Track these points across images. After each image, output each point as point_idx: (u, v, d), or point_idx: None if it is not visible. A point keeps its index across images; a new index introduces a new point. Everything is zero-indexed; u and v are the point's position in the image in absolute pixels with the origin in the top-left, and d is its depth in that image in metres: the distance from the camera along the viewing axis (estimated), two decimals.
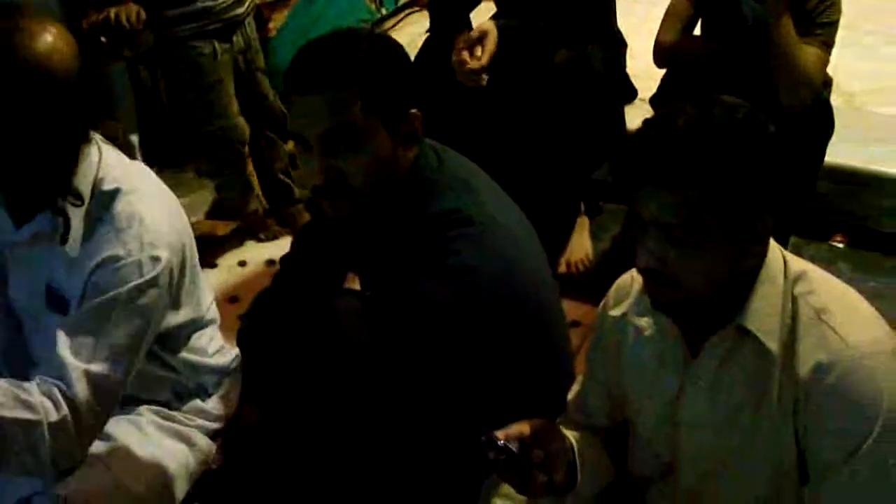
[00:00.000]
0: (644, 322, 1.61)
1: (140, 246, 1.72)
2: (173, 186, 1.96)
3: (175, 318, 1.92)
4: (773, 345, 1.44)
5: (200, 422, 2.05)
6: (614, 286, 1.73)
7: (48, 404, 1.65)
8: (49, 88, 1.63)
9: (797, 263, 1.51)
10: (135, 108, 3.64)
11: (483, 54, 2.80)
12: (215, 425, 2.08)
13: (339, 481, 2.05)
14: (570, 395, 1.83)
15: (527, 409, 1.86)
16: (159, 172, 3.96)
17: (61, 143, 1.71)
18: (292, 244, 2.22)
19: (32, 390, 1.65)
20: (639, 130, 1.44)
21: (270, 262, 3.53)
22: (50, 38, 1.65)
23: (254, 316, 2.23)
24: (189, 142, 4.01)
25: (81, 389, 1.67)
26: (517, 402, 1.87)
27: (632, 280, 1.67)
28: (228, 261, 3.60)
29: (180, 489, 1.97)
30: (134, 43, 3.11)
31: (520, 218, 1.92)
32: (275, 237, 3.69)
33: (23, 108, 1.63)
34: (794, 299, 1.46)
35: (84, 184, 1.76)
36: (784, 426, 1.46)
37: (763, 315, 1.45)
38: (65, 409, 1.66)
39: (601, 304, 1.76)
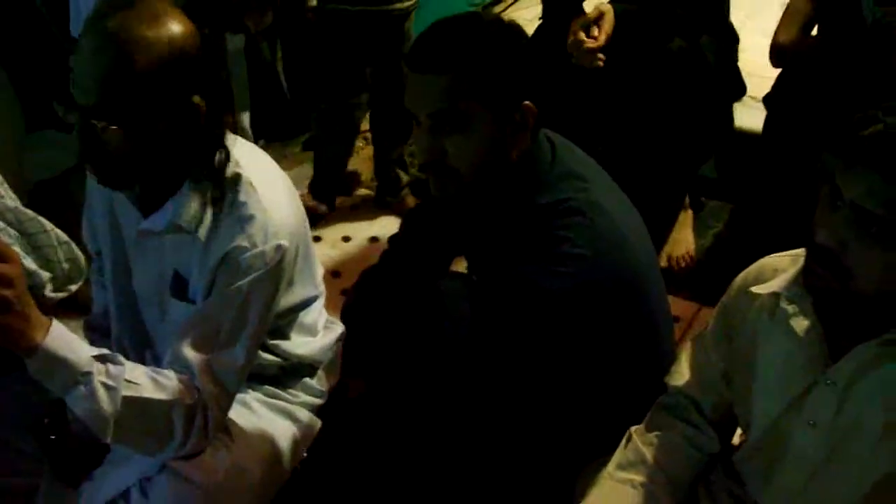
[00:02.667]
0: (791, 309, 1.55)
1: (265, 237, 1.73)
2: (279, 159, 1.99)
3: (291, 297, 1.95)
4: None
5: (305, 398, 2.07)
6: (755, 267, 1.69)
7: (183, 389, 1.70)
8: (187, 68, 1.63)
9: None
10: (248, 85, 3.69)
11: (600, 34, 2.79)
12: (318, 401, 2.10)
13: (436, 460, 2.09)
14: (675, 382, 1.81)
15: (626, 397, 1.89)
16: (266, 146, 4.11)
17: (203, 127, 1.72)
18: (401, 225, 2.25)
19: (170, 375, 1.70)
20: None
21: (374, 239, 3.59)
22: (178, 27, 1.63)
23: (359, 292, 2.28)
24: (297, 116, 4.08)
25: (207, 381, 1.73)
26: (618, 390, 1.89)
27: (775, 266, 1.63)
28: (332, 235, 3.64)
29: (289, 466, 2.00)
30: (259, 17, 3.16)
31: (630, 209, 1.92)
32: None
33: (175, 94, 1.64)
34: None
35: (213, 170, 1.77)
36: None
37: None
38: (196, 397, 1.72)
39: (734, 282, 1.72)
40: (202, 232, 1.75)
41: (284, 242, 1.76)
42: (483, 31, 1.76)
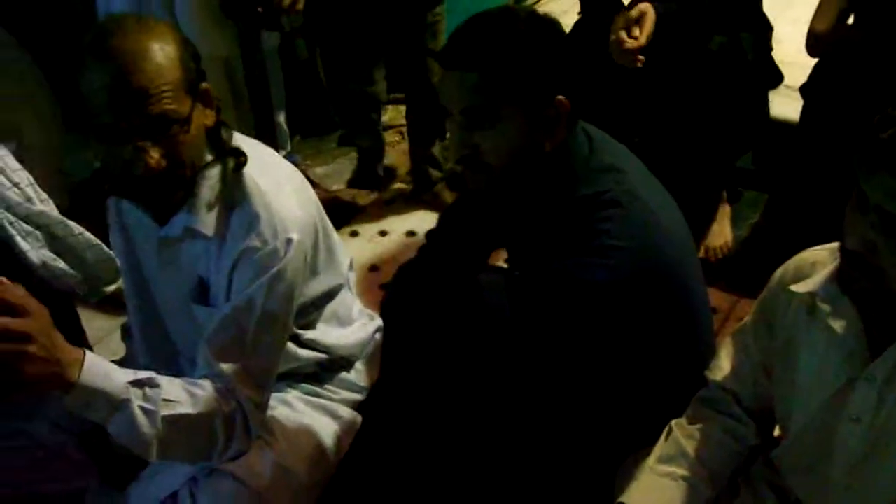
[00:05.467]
0: (828, 308, 1.55)
1: (274, 233, 1.74)
2: (314, 155, 1.99)
3: (316, 286, 1.96)
4: None
5: (345, 394, 2.08)
6: (794, 261, 1.68)
7: (219, 398, 1.71)
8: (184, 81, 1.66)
9: None
10: (283, 84, 3.72)
11: (641, 35, 2.78)
12: (359, 396, 2.11)
13: (476, 453, 2.09)
14: (715, 376, 1.81)
15: (666, 390, 1.89)
16: (301, 142, 4.12)
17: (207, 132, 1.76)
18: (439, 220, 2.26)
19: (205, 385, 1.71)
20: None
21: (410, 233, 3.60)
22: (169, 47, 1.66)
23: (398, 286, 2.29)
24: (334, 111, 4.11)
25: (241, 385, 1.74)
26: (657, 383, 1.89)
27: (814, 260, 1.63)
28: (369, 230, 3.65)
29: (333, 463, 2.01)
30: (290, 16, 3.19)
31: (668, 200, 1.92)
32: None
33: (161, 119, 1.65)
34: None
35: (212, 177, 1.79)
36: None
37: None
38: (234, 403, 1.73)
39: (774, 276, 1.71)
40: (214, 233, 1.78)
41: (295, 235, 1.77)
42: (515, 26, 1.76)
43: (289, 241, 1.75)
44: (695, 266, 1.94)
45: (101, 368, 1.57)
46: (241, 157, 1.79)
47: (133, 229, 1.95)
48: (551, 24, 1.81)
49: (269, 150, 1.94)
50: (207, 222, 1.77)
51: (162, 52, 1.63)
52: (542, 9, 2.06)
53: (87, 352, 1.56)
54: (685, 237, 1.92)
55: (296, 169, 1.95)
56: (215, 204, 1.77)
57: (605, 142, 1.89)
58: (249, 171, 1.79)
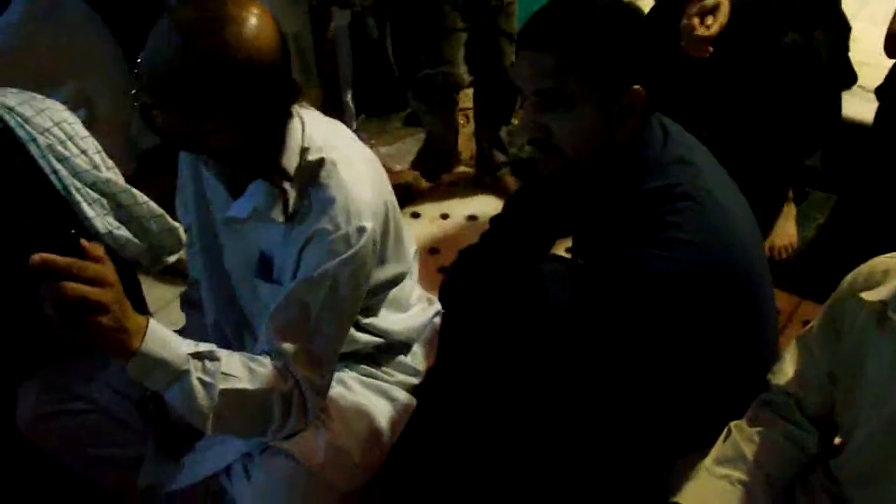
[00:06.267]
0: None
1: (347, 218, 1.73)
2: (379, 134, 1.98)
3: (382, 274, 1.95)
4: None
5: (401, 377, 2.08)
6: (866, 267, 1.64)
7: (278, 375, 1.72)
8: (256, 76, 1.64)
9: None
10: (352, 65, 3.72)
11: (713, 24, 2.74)
12: (415, 380, 2.10)
13: (530, 446, 2.09)
14: (778, 380, 1.78)
15: (726, 391, 1.86)
16: (367, 121, 4.14)
17: (265, 125, 1.74)
18: (504, 205, 2.25)
19: (265, 362, 1.72)
20: None
21: (472, 217, 3.58)
22: (256, 22, 1.64)
23: (458, 271, 2.28)
24: (401, 91, 4.11)
25: (301, 366, 1.74)
26: (718, 383, 1.87)
27: (886, 267, 1.60)
28: (431, 212, 3.65)
29: (387, 445, 2.00)
30: None
31: (739, 198, 1.89)
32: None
33: (230, 96, 1.64)
34: None
35: (291, 159, 1.77)
36: None
37: None
38: (291, 382, 1.74)
39: (843, 282, 1.67)
40: (280, 215, 1.77)
41: (368, 224, 1.76)
42: (596, 11, 1.74)
43: (361, 229, 1.75)
44: (763, 266, 1.91)
45: (163, 339, 1.59)
46: (303, 140, 1.79)
47: (209, 189, 1.96)
48: (633, 11, 1.79)
49: (348, 132, 1.93)
50: (273, 205, 1.77)
51: None
52: None
53: (151, 320, 1.57)
54: (755, 237, 1.89)
55: (372, 153, 1.94)
56: (283, 186, 1.76)
57: (680, 135, 1.86)
58: (328, 153, 1.78)
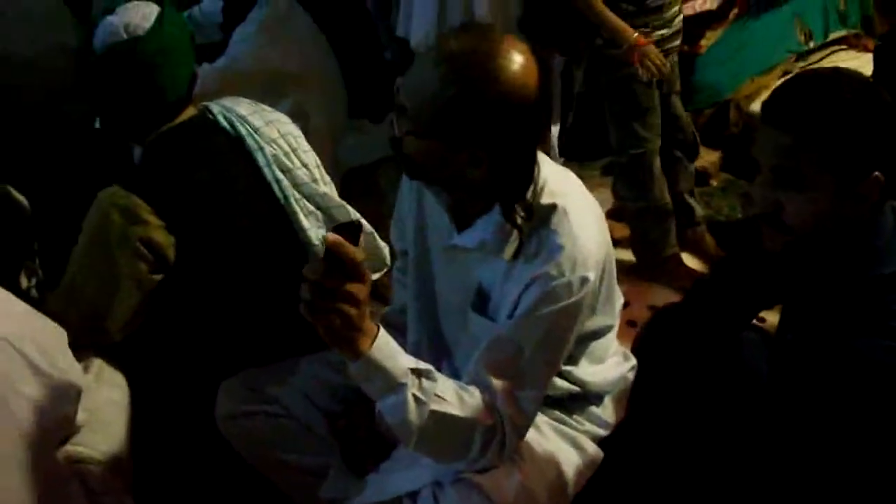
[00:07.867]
0: None
1: (572, 267, 1.75)
2: None
3: (591, 324, 1.95)
4: None
5: (590, 427, 2.06)
6: None
7: (485, 409, 1.74)
8: (517, 110, 1.67)
9: None
10: (560, 98, 3.74)
11: None
12: (603, 432, 2.08)
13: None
14: None
15: None
16: (566, 163, 4.12)
17: (516, 162, 1.76)
18: (711, 269, 2.22)
19: (475, 393, 1.74)
20: None
21: None
22: (523, 59, 1.67)
23: (656, 329, 2.26)
24: (600, 139, 4.09)
25: (507, 405, 1.75)
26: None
27: None
28: (622, 263, 3.58)
29: (571, 494, 1.99)
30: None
31: None
32: None
33: (491, 128, 1.67)
34: None
35: (529, 198, 1.80)
36: None
37: None
38: (496, 417, 1.75)
39: None
40: (508, 253, 1.79)
41: (591, 275, 1.77)
42: (841, 93, 1.69)
43: (584, 279, 1.76)
44: None
45: (390, 349, 1.63)
46: (537, 183, 1.80)
47: (429, 215, 1.99)
48: (881, 97, 1.73)
49: (577, 180, 1.95)
50: (502, 241, 1.79)
51: None
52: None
53: (382, 329, 1.61)
54: None
55: (597, 205, 1.95)
56: (514, 225, 1.78)
57: None
58: (560, 199, 1.80)
